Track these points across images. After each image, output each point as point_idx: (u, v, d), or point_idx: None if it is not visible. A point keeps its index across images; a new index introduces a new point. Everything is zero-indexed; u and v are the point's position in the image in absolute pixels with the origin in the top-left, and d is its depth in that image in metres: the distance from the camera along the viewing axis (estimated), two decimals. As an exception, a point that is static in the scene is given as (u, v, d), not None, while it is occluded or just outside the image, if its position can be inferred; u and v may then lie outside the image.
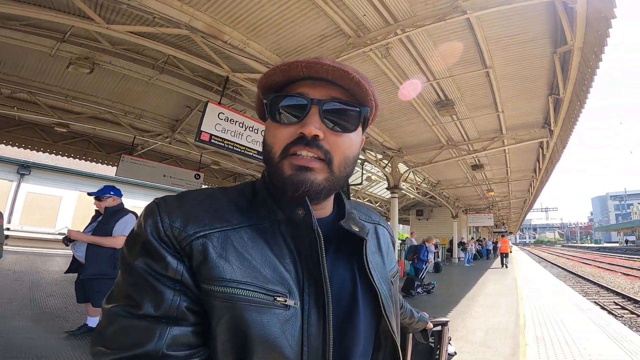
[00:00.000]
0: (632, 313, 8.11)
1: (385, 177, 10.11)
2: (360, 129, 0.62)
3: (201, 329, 0.51)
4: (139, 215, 0.59)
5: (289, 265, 0.55)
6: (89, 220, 3.79)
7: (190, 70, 6.04)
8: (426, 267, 8.56)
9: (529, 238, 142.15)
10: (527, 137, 7.85)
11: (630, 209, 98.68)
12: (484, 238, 25.70)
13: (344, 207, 0.68)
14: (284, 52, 5.04)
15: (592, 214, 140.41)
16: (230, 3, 4.13)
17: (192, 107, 7.44)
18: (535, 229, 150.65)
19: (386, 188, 10.28)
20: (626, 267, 19.35)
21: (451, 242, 18.87)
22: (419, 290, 8.08)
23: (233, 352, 0.49)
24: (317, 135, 0.55)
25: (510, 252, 20.47)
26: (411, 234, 14.71)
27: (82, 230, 3.62)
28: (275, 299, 0.51)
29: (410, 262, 8.62)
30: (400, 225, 24.45)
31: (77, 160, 9.62)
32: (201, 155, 9.97)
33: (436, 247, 13.39)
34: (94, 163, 10.10)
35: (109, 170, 10.77)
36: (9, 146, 8.46)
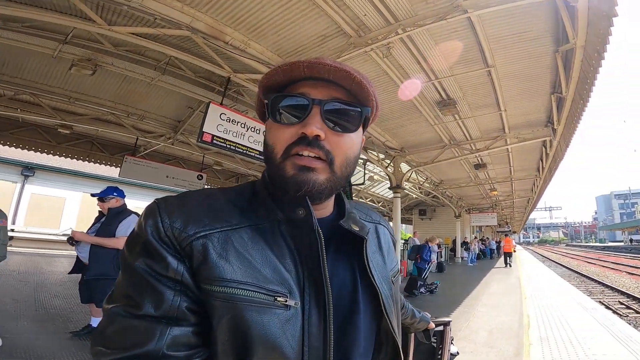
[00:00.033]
0: (637, 312, 8.05)
1: (387, 177, 10.09)
2: (361, 129, 0.62)
3: (201, 329, 0.51)
4: (140, 215, 0.59)
5: (289, 265, 0.55)
6: (92, 221, 3.82)
7: (192, 71, 6.06)
8: (429, 267, 8.53)
9: (533, 237, 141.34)
10: (530, 136, 7.81)
11: (634, 207, 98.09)
12: (488, 237, 25.61)
13: (344, 207, 0.68)
14: (285, 53, 5.04)
15: (596, 213, 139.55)
16: (231, 4, 4.14)
17: (194, 108, 7.46)
18: (539, 228, 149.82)
19: (389, 188, 10.26)
20: (631, 266, 19.19)
21: (454, 241, 18.81)
22: (422, 290, 8.07)
23: (233, 352, 0.49)
24: (319, 136, 0.55)
25: (514, 251, 20.37)
26: (414, 233, 14.66)
27: (85, 231, 3.64)
28: (275, 299, 0.51)
29: (413, 262, 8.61)
30: (403, 225, 24.43)
31: (80, 161, 9.67)
32: (204, 156, 10.00)
33: (439, 246, 13.36)
34: (97, 164, 10.16)
35: (112, 172, 10.82)
36: (13, 148, 8.52)
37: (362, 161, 10.38)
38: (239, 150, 5.41)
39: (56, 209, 14.71)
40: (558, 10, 4.01)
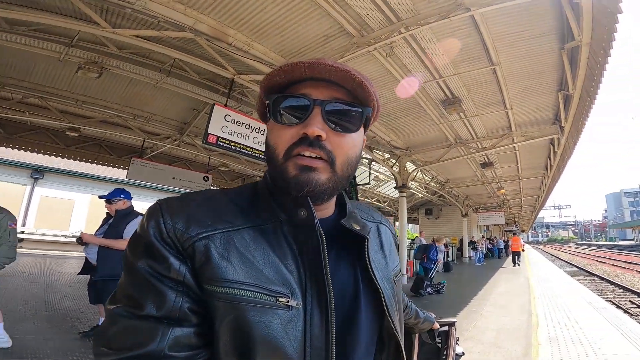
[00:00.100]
0: (649, 312, 7.92)
1: (393, 177, 10.06)
2: (362, 129, 0.62)
3: (203, 330, 0.51)
4: (144, 216, 0.59)
5: (291, 266, 0.55)
6: (100, 223, 3.86)
7: (196, 73, 6.10)
8: (435, 267, 8.48)
9: (542, 236, 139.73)
10: (538, 134, 7.72)
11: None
12: (495, 237, 25.37)
13: (346, 207, 0.68)
14: (288, 53, 5.05)
15: (606, 211, 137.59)
16: (234, 5, 4.16)
17: (199, 109, 7.52)
18: (548, 227, 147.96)
19: (394, 187, 10.23)
20: (642, 265, 18.89)
21: (461, 241, 18.66)
22: (429, 290, 8.02)
23: (235, 353, 0.49)
24: (320, 136, 0.55)
25: (523, 250, 20.14)
26: (420, 233, 14.60)
27: (94, 233, 3.68)
28: (277, 300, 0.51)
29: (420, 261, 8.56)
30: (410, 224, 24.32)
31: (88, 164, 9.82)
32: (209, 158, 10.06)
33: (446, 246, 13.27)
34: (105, 166, 10.27)
35: (120, 174, 10.93)
36: (22, 151, 8.66)
37: (367, 161, 10.37)
38: (244, 151, 5.43)
39: (65, 211, 14.93)
40: (562, 8, 3.97)
